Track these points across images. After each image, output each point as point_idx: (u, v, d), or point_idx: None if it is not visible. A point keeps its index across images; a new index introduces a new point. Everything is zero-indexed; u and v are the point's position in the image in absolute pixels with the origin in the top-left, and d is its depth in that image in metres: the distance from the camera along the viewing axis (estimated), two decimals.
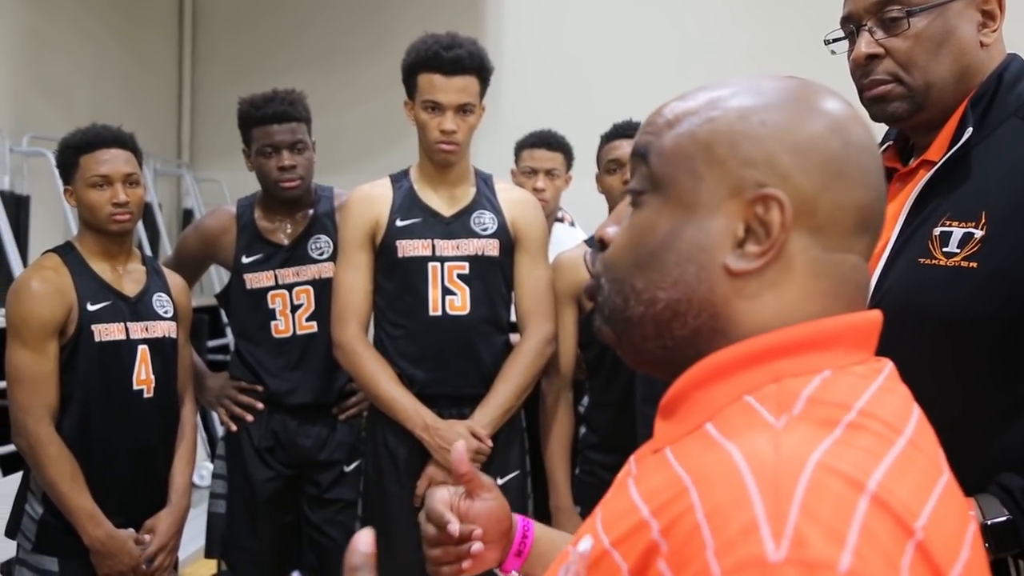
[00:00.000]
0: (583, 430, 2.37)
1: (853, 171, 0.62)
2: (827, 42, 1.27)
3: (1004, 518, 1.05)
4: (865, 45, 1.18)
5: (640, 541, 0.55)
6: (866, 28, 1.18)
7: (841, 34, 1.24)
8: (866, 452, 0.55)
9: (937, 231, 1.12)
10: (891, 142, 1.29)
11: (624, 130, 2.36)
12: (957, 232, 1.10)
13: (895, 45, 1.17)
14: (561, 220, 3.01)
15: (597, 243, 0.71)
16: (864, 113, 1.33)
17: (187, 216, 5.07)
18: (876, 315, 0.65)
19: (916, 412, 0.62)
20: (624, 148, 2.32)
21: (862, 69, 1.20)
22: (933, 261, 1.11)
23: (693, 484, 0.54)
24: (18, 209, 3.78)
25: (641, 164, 0.67)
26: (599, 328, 0.70)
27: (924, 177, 1.17)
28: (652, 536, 0.55)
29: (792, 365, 0.60)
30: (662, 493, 0.56)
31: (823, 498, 0.51)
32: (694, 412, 0.61)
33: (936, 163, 1.16)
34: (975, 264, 1.08)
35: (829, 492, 0.51)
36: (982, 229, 1.09)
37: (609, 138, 2.40)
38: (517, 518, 0.97)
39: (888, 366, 0.65)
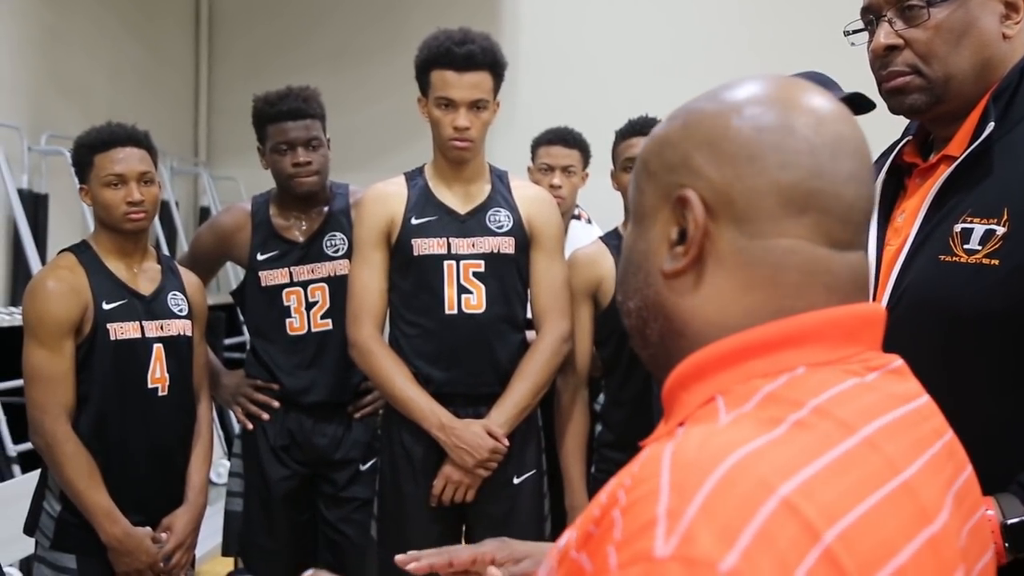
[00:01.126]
0: (599, 428, 2.35)
1: (768, 153, 0.62)
2: (847, 33, 1.25)
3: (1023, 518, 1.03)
4: (884, 36, 1.16)
5: (586, 533, 0.57)
6: (886, 19, 1.17)
7: (861, 25, 1.23)
8: (800, 452, 0.55)
9: (958, 228, 1.10)
10: (911, 137, 1.27)
11: (640, 127, 2.34)
12: (979, 229, 1.09)
13: (914, 36, 1.15)
14: (578, 217, 3.00)
15: None
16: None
17: (204, 214, 5.09)
18: (869, 308, 0.64)
19: (899, 411, 0.61)
20: (640, 146, 2.29)
21: (881, 60, 1.18)
22: (954, 258, 1.10)
23: (631, 478, 0.56)
24: (36, 207, 3.81)
25: None
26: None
27: (945, 173, 1.15)
28: (590, 528, 0.56)
29: (764, 365, 0.61)
30: (614, 489, 0.57)
31: (727, 497, 0.51)
32: (678, 411, 0.63)
33: (957, 158, 1.14)
34: (997, 261, 1.06)
35: (735, 491, 0.51)
36: (1004, 226, 1.07)
37: (624, 135, 2.37)
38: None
39: (891, 363, 0.64)
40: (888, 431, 0.59)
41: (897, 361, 0.65)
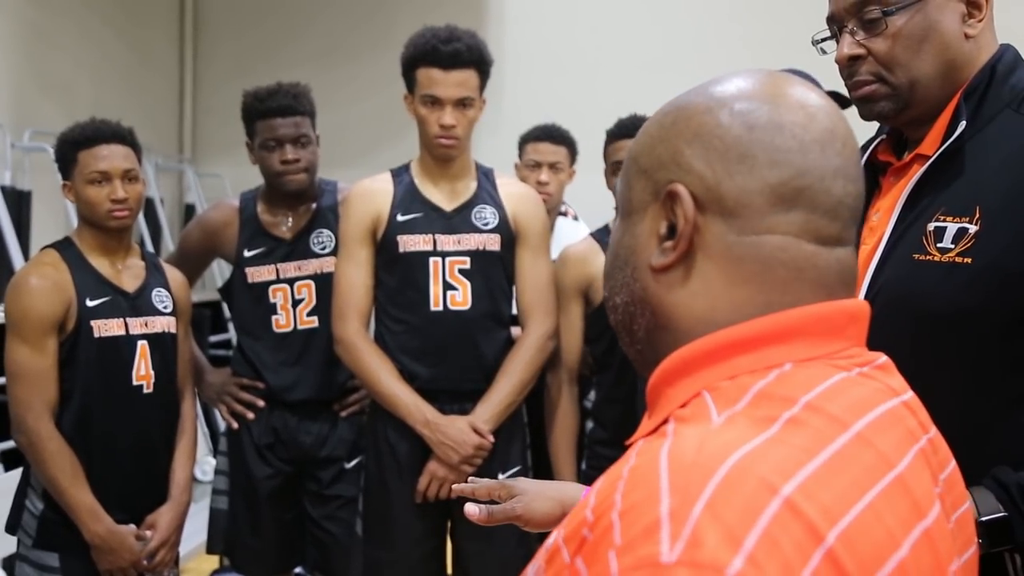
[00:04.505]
0: (590, 425, 2.36)
1: (757, 152, 0.62)
2: (815, 42, 1.26)
3: (999, 515, 1.04)
4: (847, 47, 1.17)
5: (578, 536, 0.56)
6: (848, 29, 1.18)
7: (828, 34, 1.24)
8: (797, 451, 0.55)
9: (931, 226, 1.11)
10: (885, 135, 1.28)
11: (628, 129, 2.31)
12: (951, 227, 1.09)
13: (875, 46, 1.16)
14: (564, 214, 3.00)
15: None
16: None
17: (189, 211, 5.06)
18: (854, 304, 0.65)
19: (886, 404, 0.62)
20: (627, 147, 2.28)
21: (847, 70, 1.19)
22: (928, 257, 1.10)
23: (624, 483, 0.55)
24: (19, 204, 3.78)
25: None
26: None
27: (918, 172, 1.16)
28: (583, 532, 0.55)
29: (750, 360, 0.61)
30: (604, 489, 0.56)
31: (730, 500, 0.51)
32: (663, 407, 0.63)
33: (930, 157, 1.15)
34: (970, 259, 1.07)
35: (738, 494, 0.51)
36: (976, 224, 1.08)
37: (612, 138, 2.35)
38: (583, 495, 1.06)
39: (875, 359, 0.65)
40: (878, 425, 0.59)
41: (882, 358, 0.65)
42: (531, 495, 1.07)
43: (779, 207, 0.62)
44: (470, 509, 1.07)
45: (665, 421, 0.61)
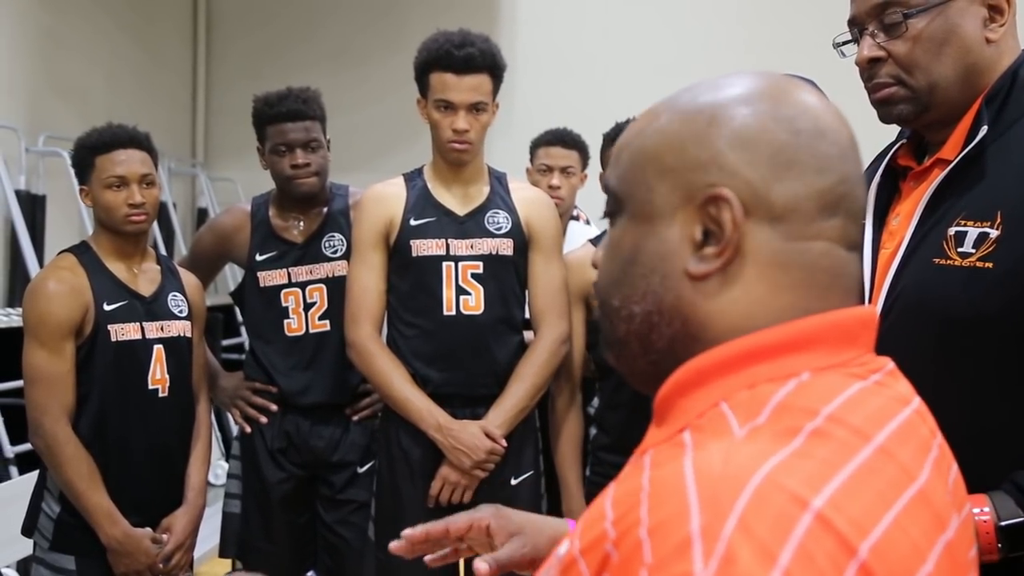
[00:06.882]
0: (593, 431, 2.35)
1: (805, 158, 0.62)
2: (836, 45, 1.26)
3: (1019, 520, 1.03)
4: (867, 49, 1.18)
5: (599, 552, 0.54)
6: (868, 32, 1.18)
7: (849, 37, 1.24)
8: (823, 464, 0.54)
9: (952, 231, 1.11)
10: (905, 140, 1.28)
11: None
12: (972, 232, 1.09)
13: (895, 48, 1.16)
14: (577, 218, 3.00)
15: (595, 268, 0.73)
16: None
17: (201, 215, 5.09)
18: (865, 311, 0.64)
19: (902, 414, 0.61)
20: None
21: (867, 72, 1.20)
22: (948, 261, 1.10)
23: (647, 496, 0.54)
24: (34, 208, 3.81)
25: (607, 192, 0.70)
26: (606, 355, 0.72)
27: (939, 176, 1.16)
28: (606, 548, 0.54)
29: (768, 370, 0.60)
30: (624, 501, 0.55)
31: (762, 514, 0.50)
32: (677, 418, 0.61)
33: (951, 162, 1.14)
34: (991, 264, 1.07)
35: (770, 508, 0.50)
36: (997, 229, 1.08)
37: (611, 140, 2.36)
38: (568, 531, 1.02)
39: (885, 365, 0.64)
40: (897, 437, 0.59)
41: (890, 364, 0.65)
42: (529, 534, 1.02)
43: (824, 213, 0.62)
44: (479, 566, 1.00)
45: (679, 431, 0.60)
